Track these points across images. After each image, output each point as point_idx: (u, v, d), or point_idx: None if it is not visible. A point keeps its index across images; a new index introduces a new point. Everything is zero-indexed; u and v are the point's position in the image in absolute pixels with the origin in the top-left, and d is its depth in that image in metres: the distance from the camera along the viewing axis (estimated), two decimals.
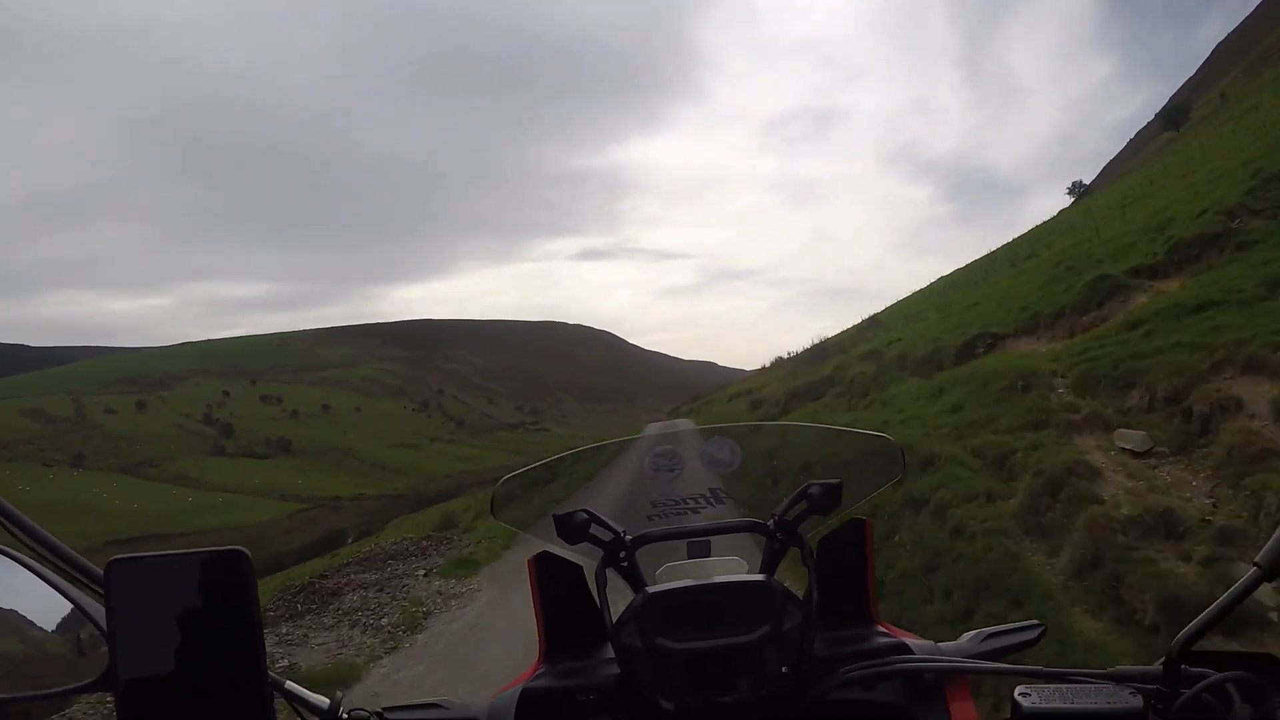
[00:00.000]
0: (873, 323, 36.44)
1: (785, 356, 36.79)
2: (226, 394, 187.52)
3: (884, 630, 0.91)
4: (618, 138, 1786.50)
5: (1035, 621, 0.85)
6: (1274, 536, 0.67)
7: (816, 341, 34.44)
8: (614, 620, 0.83)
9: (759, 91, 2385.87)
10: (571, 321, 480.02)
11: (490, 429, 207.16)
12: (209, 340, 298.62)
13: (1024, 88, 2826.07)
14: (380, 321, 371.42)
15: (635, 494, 1.04)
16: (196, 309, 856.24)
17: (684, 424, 20.04)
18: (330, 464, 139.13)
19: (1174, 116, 56.70)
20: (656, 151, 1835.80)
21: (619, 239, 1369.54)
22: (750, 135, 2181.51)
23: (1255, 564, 0.67)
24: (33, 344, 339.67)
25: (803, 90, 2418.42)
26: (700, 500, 1.01)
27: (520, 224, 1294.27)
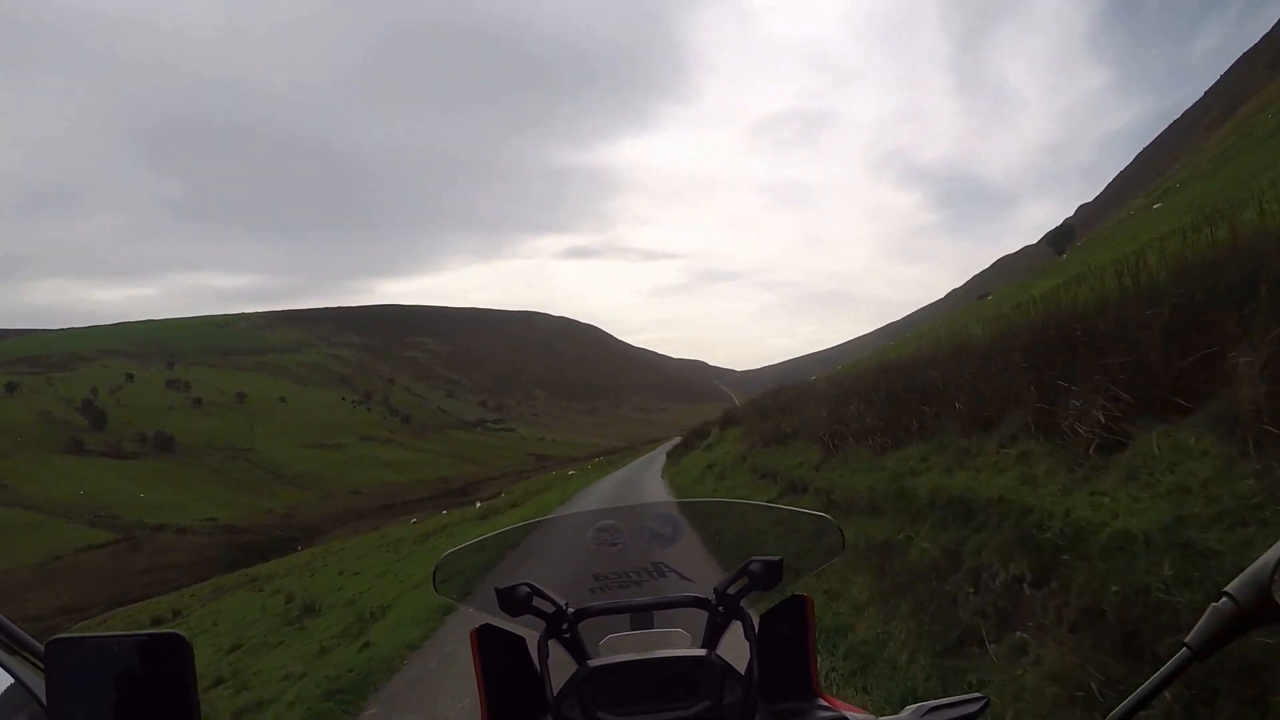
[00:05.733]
0: None
1: None
2: (130, 377, 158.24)
3: (826, 704, 0.91)
4: (607, 136, 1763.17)
5: (978, 695, 0.86)
6: (1203, 617, 0.63)
7: None
8: (555, 693, 0.83)
9: (750, 92, 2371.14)
10: (555, 314, 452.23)
11: (441, 427, 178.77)
12: (147, 321, 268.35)
13: (1016, 97, 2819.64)
14: (341, 305, 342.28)
15: (578, 567, 1.03)
16: (181, 299, 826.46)
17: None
18: (210, 469, 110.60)
19: None
20: (646, 151, 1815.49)
21: (607, 237, 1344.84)
22: (740, 137, 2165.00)
23: (1185, 645, 0.64)
24: None
25: (794, 92, 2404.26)
26: (643, 574, 1.00)
27: (508, 220, 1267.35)
